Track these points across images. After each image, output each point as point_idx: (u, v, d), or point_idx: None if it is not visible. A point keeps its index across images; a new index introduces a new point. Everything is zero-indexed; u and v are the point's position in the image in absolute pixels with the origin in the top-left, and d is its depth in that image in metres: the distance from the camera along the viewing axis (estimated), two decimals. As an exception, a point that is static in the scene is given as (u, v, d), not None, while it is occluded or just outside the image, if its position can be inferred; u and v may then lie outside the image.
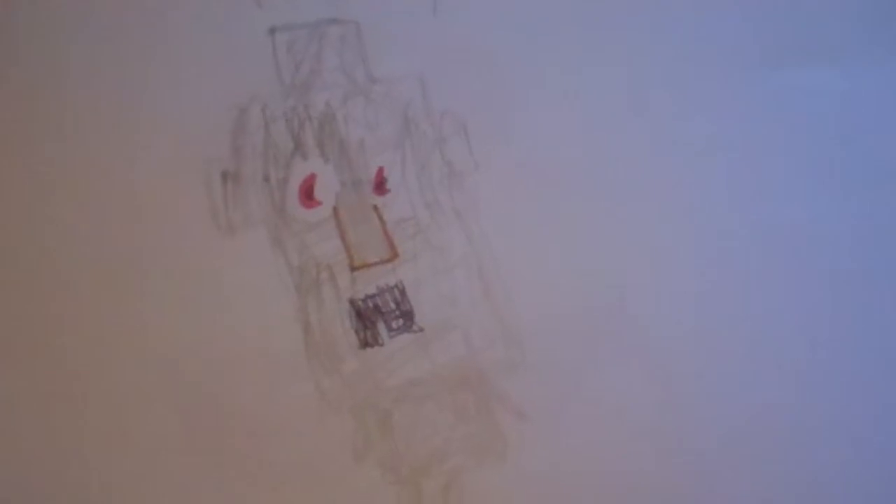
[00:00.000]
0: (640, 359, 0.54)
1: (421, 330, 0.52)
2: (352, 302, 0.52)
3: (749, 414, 0.54)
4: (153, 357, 0.50)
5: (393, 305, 0.52)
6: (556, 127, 0.55)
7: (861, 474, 0.55)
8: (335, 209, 0.53)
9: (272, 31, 0.53)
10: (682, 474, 0.53)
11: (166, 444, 0.49)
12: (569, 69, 0.56)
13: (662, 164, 0.56)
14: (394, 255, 0.53)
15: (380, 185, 0.53)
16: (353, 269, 0.52)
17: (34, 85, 0.51)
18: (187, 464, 0.49)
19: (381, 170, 0.53)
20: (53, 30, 0.51)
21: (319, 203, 0.52)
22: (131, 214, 0.51)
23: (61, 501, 0.48)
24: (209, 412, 0.50)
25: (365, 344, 0.52)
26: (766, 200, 0.56)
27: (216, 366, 0.50)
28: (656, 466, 0.53)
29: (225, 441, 0.49)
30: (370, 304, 0.52)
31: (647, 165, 0.55)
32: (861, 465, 0.55)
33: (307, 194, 0.52)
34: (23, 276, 0.49)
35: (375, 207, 0.53)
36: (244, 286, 0.51)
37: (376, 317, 0.52)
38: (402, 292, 0.53)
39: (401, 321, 0.52)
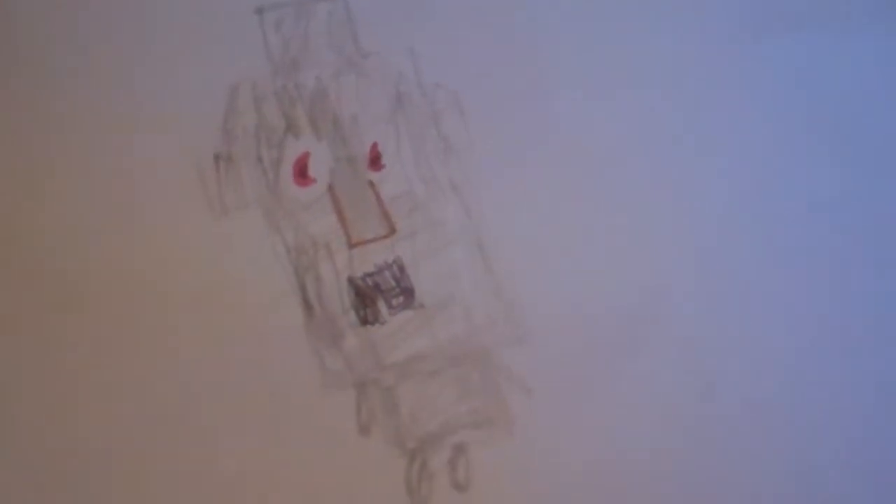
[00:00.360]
0: (644, 335, 0.53)
1: (422, 306, 0.52)
2: (351, 280, 0.51)
3: (747, 405, 0.52)
4: (152, 343, 0.49)
5: (393, 283, 0.52)
6: (553, 98, 0.55)
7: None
8: (330, 186, 0.52)
9: (260, 10, 0.52)
10: (690, 456, 0.52)
11: (169, 427, 0.48)
12: (565, 39, 0.55)
13: (661, 139, 0.55)
14: (391, 230, 0.52)
15: (375, 161, 0.53)
16: (350, 246, 0.52)
17: (22, 77, 0.51)
18: (191, 445, 0.48)
19: (375, 145, 0.53)
20: (42, 19, 0.51)
21: (314, 181, 0.52)
22: (124, 200, 0.50)
23: (62, 478, 0.47)
24: (211, 398, 0.49)
25: (365, 322, 0.51)
26: (769, 186, 0.55)
27: (217, 352, 0.49)
28: (661, 443, 0.52)
29: (227, 423, 0.49)
30: (369, 282, 0.51)
31: (644, 142, 0.55)
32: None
33: (301, 173, 0.52)
34: (18, 271, 0.49)
35: (371, 183, 0.52)
36: (240, 268, 0.50)
37: (376, 295, 0.51)
38: (402, 269, 0.52)
39: (401, 298, 0.51)
